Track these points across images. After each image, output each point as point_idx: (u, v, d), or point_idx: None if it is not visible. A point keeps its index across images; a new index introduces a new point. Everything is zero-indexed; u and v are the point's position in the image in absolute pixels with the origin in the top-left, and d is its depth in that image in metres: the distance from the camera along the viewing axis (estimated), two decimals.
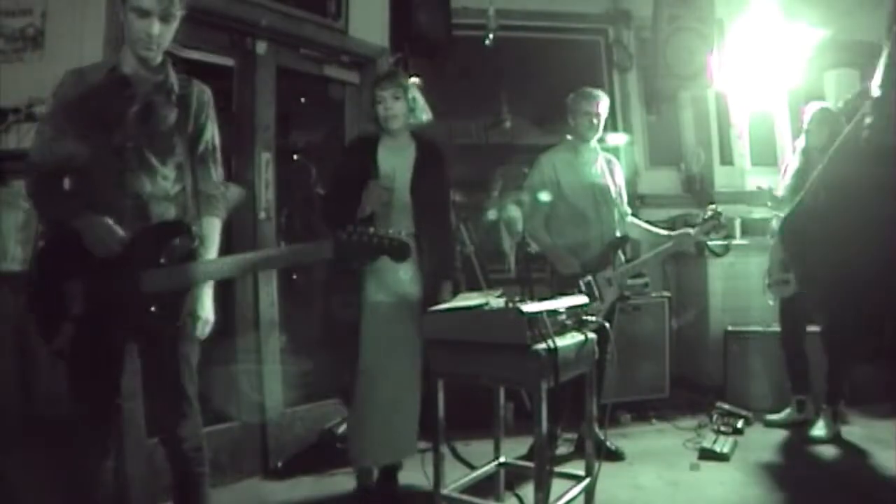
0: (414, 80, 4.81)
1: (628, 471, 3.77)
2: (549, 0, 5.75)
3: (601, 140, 4.23)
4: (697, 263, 5.34)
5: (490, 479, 3.14)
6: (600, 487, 3.03)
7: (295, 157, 5.29)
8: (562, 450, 4.01)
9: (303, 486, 3.61)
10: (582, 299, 3.01)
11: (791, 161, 4.47)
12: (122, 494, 2.88)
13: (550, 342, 2.56)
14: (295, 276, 4.76)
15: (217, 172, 2.54)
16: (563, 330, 2.77)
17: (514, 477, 3.23)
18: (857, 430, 4.30)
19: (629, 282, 4.11)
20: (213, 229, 2.49)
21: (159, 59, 2.35)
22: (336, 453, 3.82)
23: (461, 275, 3.61)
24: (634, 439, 4.32)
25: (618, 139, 5.49)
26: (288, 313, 4.11)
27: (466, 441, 3.68)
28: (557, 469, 2.99)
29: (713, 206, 4.08)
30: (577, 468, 3.09)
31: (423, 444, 3.96)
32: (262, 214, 3.97)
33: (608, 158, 4.18)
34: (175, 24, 2.33)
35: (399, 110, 3.22)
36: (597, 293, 3.85)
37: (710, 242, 4.83)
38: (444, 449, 2.88)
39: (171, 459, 2.40)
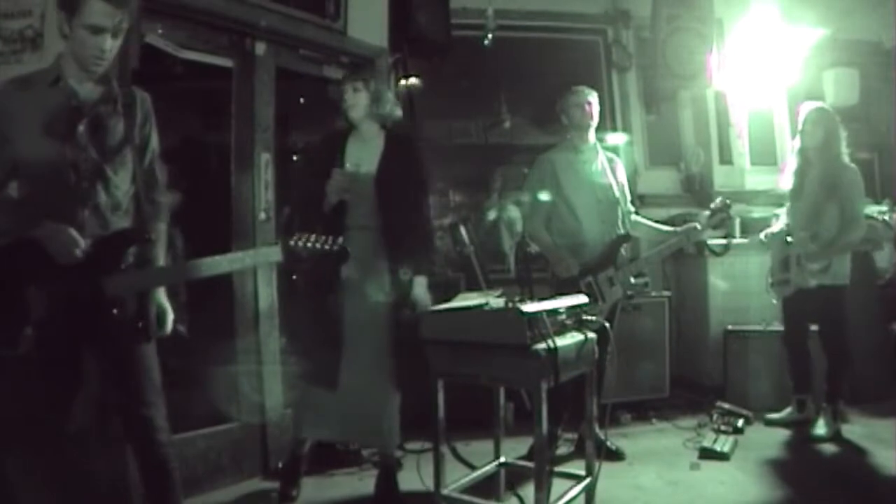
0: (412, 79, 4.87)
1: (628, 470, 3.77)
2: (548, 0, 5.75)
3: (601, 139, 4.23)
4: (697, 263, 5.34)
5: (490, 479, 3.15)
6: (601, 487, 3.03)
7: (295, 157, 5.30)
8: (562, 450, 4.01)
9: (303, 487, 3.60)
10: (582, 299, 3.01)
11: (789, 163, 4.47)
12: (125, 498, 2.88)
13: (550, 342, 2.56)
14: (295, 277, 4.76)
15: (162, 179, 2.60)
16: (562, 330, 2.77)
17: (514, 477, 3.23)
18: (858, 429, 4.30)
19: (631, 281, 4.11)
20: (162, 234, 2.58)
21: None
22: (336, 454, 3.83)
23: (437, 267, 3.64)
24: (635, 439, 4.32)
25: (617, 139, 5.49)
26: (287, 314, 4.11)
27: (467, 441, 3.68)
28: (558, 469, 3.00)
29: (721, 198, 4.08)
30: (578, 468, 3.10)
31: (423, 444, 3.98)
32: (262, 215, 3.97)
33: (610, 157, 4.17)
34: (122, 38, 2.35)
35: (358, 101, 3.33)
36: (598, 294, 3.85)
37: (710, 242, 4.83)
38: (445, 449, 2.89)
39: (145, 460, 2.42)
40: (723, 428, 4.31)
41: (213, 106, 4.62)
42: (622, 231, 4.07)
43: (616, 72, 5.92)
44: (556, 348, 2.55)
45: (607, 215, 4.04)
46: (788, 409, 4.49)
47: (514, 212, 5.51)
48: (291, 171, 4.81)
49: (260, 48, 4.01)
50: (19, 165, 2.26)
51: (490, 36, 5.22)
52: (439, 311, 2.85)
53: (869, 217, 4.48)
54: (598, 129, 4.16)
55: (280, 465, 3.72)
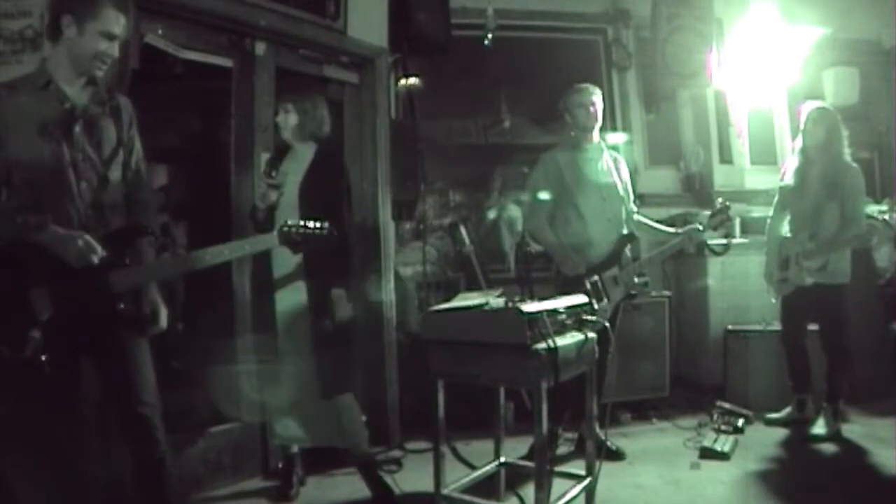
0: (412, 79, 4.87)
1: (629, 470, 3.77)
2: (547, 0, 5.75)
3: (603, 138, 4.22)
4: (697, 262, 5.34)
5: (491, 479, 3.14)
6: (601, 487, 3.03)
7: None
8: (562, 449, 4.01)
9: (304, 487, 3.61)
10: (582, 299, 3.01)
11: (790, 161, 4.47)
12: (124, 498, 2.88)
13: (550, 342, 2.56)
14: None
15: (147, 179, 2.67)
16: (562, 329, 2.77)
17: (514, 477, 3.23)
18: (858, 429, 4.30)
19: (635, 280, 4.11)
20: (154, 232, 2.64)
21: None
22: (336, 454, 3.83)
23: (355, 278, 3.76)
24: (635, 438, 4.32)
25: (617, 138, 5.49)
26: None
27: (467, 441, 3.68)
28: (558, 469, 2.99)
29: (721, 200, 4.08)
30: (578, 468, 3.10)
31: (423, 444, 3.99)
32: (262, 215, 3.96)
33: (614, 156, 4.16)
34: None
35: (288, 122, 3.52)
36: (603, 293, 3.85)
37: (710, 241, 4.84)
38: (445, 449, 2.88)
39: (142, 459, 2.42)
40: (723, 427, 4.31)
41: (213, 106, 4.62)
42: (626, 231, 4.06)
43: (616, 71, 5.92)
44: (556, 348, 2.55)
45: (612, 214, 4.03)
46: (788, 409, 4.49)
47: (514, 211, 5.51)
48: None
49: (260, 48, 4.01)
50: (17, 169, 2.27)
51: (490, 35, 5.21)
52: (439, 311, 2.85)
53: (869, 217, 4.48)
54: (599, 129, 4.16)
55: (280, 464, 3.73)
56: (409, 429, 4.36)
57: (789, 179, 4.40)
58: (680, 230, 4.07)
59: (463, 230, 5.02)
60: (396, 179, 4.63)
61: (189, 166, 5.42)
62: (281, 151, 3.64)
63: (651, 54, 5.69)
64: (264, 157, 3.95)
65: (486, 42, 5.22)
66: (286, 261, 3.33)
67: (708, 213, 4.19)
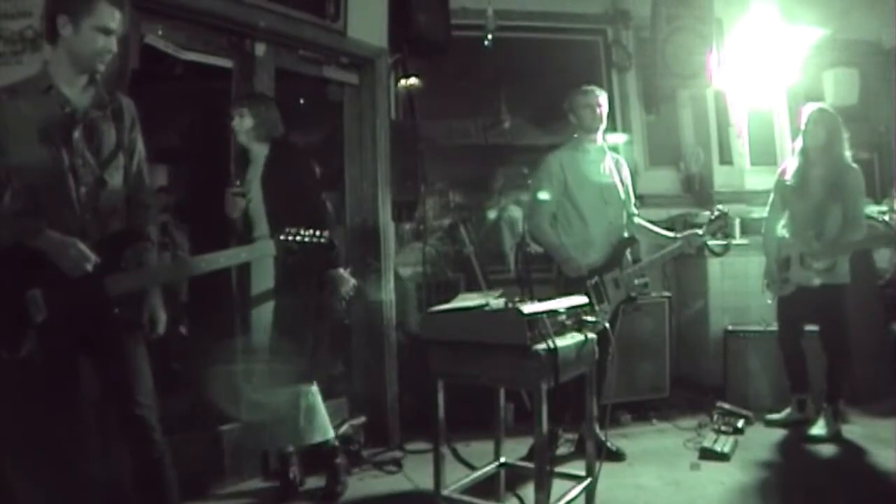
0: (412, 80, 4.87)
1: (629, 471, 3.77)
2: (547, 0, 5.75)
3: (605, 140, 4.22)
4: (697, 263, 5.34)
5: (491, 479, 3.14)
6: (601, 487, 3.03)
7: None
8: (562, 450, 4.01)
9: (303, 487, 3.61)
10: (582, 300, 3.01)
11: (790, 162, 4.47)
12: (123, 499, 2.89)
13: (550, 342, 2.56)
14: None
15: (149, 182, 2.66)
16: (562, 330, 2.77)
17: (514, 477, 3.23)
18: (858, 429, 4.30)
19: (635, 282, 4.10)
20: (152, 235, 2.64)
21: None
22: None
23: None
24: (635, 439, 4.32)
25: (617, 139, 5.48)
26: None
27: (467, 442, 3.68)
28: (558, 469, 2.99)
29: (720, 207, 4.08)
30: (578, 468, 3.10)
31: (423, 445, 3.99)
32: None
33: (616, 158, 4.17)
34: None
35: (244, 126, 3.50)
36: (604, 295, 3.85)
37: (710, 242, 4.84)
38: (445, 450, 2.88)
39: (140, 459, 2.43)
40: (723, 428, 4.31)
41: (212, 107, 4.62)
42: (627, 233, 4.07)
43: (616, 72, 5.92)
44: (556, 349, 2.56)
45: (613, 216, 4.04)
46: (788, 410, 4.48)
47: (514, 212, 5.51)
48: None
49: (259, 49, 4.01)
50: (17, 173, 2.28)
51: (490, 36, 5.21)
52: (439, 312, 2.85)
53: (869, 217, 4.48)
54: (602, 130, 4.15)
55: (280, 465, 3.73)
56: (409, 429, 4.36)
57: (790, 179, 4.40)
58: (679, 235, 4.07)
59: (463, 231, 5.02)
60: (396, 180, 4.63)
61: (189, 167, 5.42)
62: (240, 158, 3.65)
63: (651, 55, 5.69)
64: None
65: (486, 43, 5.22)
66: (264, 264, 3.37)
67: (708, 213, 4.19)
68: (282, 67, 4.15)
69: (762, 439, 4.24)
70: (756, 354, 4.89)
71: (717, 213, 4.02)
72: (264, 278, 3.45)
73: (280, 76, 4.12)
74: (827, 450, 4.04)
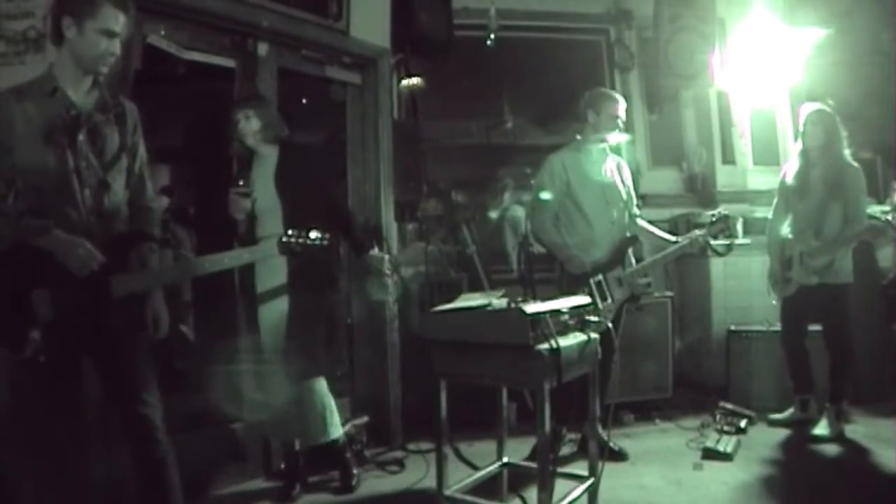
0: (415, 80, 4.87)
1: (632, 471, 3.77)
2: (550, 0, 5.75)
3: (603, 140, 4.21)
4: (700, 263, 5.34)
5: (493, 479, 3.14)
6: (604, 487, 3.03)
7: None
8: (565, 450, 4.01)
9: (305, 487, 3.61)
10: (584, 299, 3.01)
11: (791, 164, 4.47)
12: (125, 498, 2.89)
13: (553, 342, 2.56)
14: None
15: (151, 185, 2.67)
16: (565, 330, 2.77)
17: (517, 477, 3.23)
18: (861, 429, 4.30)
19: (638, 282, 4.10)
20: (155, 237, 2.66)
21: None
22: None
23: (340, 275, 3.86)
24: (638, 439, 4.32)
25: (618, 139, 5.48)
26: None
27: (469, 442, 3.69)
28: (561, 469, 2.99)
29: (721, 210, 4.07)
30: (581, 468, 3.09)
31: (426, 445, 3.98)
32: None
33: (617, 161, 4.17)
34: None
35: (250, 128, 3.50)
36: (607, 293, 3.85)
37: (712, 242, 4.83)
38: (448, 449, 2.88)
39: (143, 459, 2.43)
40: (726, 428, 4.30)
41: (215, 106, 4.63)
42: (629, 233, 4.07)
43: (618, 71, 5.91)
44: (558, 348, 2.55)
45: (616, 216, 4.04)
46: (791, 410, 4.48)
47: (517, 211, 5.51)
48: None
49: (262, 49, 4.01)
50: (23, 174, 2.29)
51: (492, 36, 5.21)
52: (442, 312, 2.85)
53: (871, 217, 4.48)
54: None
55: (282, 465, 3.73)
56: (412, 429, 4.36)
57: (791, 181, 4.40)
58: (680, 238, 4.06)
59: (465, 231, 5.02)
60: (399, 180, 4.64)
61: (191, 167, 5.43)
62: (244, 159, 3.64)
63: (653, 55, 5.68)
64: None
65: (488, 42, 5.22)
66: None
67: (710, 213, 4.18)
68: (284, 67, 4.16)
69: (765, 439, 4.23)
70: (759, 354, 4.88)
71: (717, 215, 4.01)
72: (273, 276, 3.46)
73: (282, 76, 4.13)
74: (830, 450, 4.04)
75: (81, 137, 2.35)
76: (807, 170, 4.31)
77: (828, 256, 4.17)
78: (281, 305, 3.48)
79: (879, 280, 5.15)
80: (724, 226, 3.99)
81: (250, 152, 3.59)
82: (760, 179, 5.69)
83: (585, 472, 3.00)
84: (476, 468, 3.12)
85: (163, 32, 3.56)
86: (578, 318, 2.88)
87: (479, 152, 5.81)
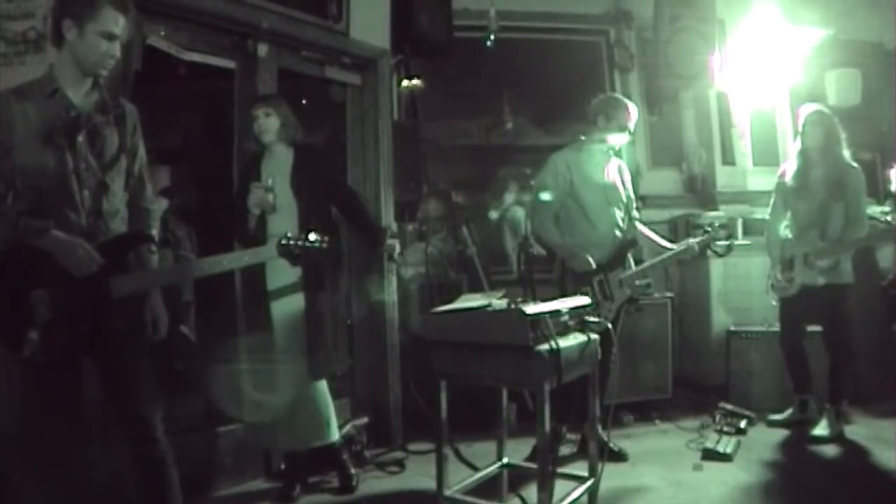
0: (415, 80, 4.88)
1: (631, 471, 3.77)
2: (550, 1, 5.74)
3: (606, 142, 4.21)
4: (699, 264, 5.33)
5: (493, 480, 3.15)
6: (603, 488, 3.03)
7: None
8: (565, 451, 4.01)
9: (305, 488, 3.61)
10: (584, 300, 3.01)
11: (790, 163, 4.47)
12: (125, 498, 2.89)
13: (553, 343, 2.56)
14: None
15: (150, 186, 2.68)
16: (565, 331, 2.77)
17: (517, 478, 3.23)
18: (861, 430, 4.30)
19: (637, 283, 4.10)
20: (155, 238, 2.68)
21: None
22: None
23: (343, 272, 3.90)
24: (637, 440, 4.32)
25: (619, 140, 5.48)
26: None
27: (469, 442, 3.68)
28: (560, 470, 2.99)
29: (715, 221, 4.06)
30: (581, 469, 3.10)
31: (426, 446, 3.98)
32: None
33: (619, 163, 4.17)
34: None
35: (270, 126, 3.52)
36: (609, 293, 3.85)
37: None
38: (448, 450, 2.89)
39: (142, 459, 2.44)
40: (725, 429, 4.30)
41: (215, 107, 4.63)
42: (629, 235, 4.07)
43: (618, 72, 5.91)
44: (558, 349, 2.56)
45: (616, 218, 4.04)
46: (791, 410, 4.48)
47: (517, 212, 5.51)
48: None
49: (262, 49, 4.01)
50: (22, 175, 2.29)
51: (492, 37, 5.21)
52: (442, 313, 2.86)
53: (871, 218, 4.48)
54: None
55: (282, 466, 3.73)
56: (412, 430, 4.37)
57: (790, 181, 4.40)
58: (675, 247, 4.05)
59: (465, 231, 5.02)
60: (399, 181, 4.64)
61: (191, 167, 5.42)
62: (258, 156, 3.64)
63: (653, 55, 5.68)
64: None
65: (488, 43, 5.22)
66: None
67: (710, 214, 4.18)
68: (284, 68, 4.16)
69: (765, 440, 4.23)
70: (758, 355, 4.88)
71: (711, 226, 4.02)
72: (281, 275, 3.46)
73: (282, 77, 4.12)
74: (830, 450, 4.04)
75: (81, 139, 2.35)
76: (806, 170, 4.32)
77: (834, 257, 4.17)
78: (291, 304, 3.49)
79: (879, 281, 5.15)
80: (722, 233, 3.99)
81: (264, 149, 3.60)
82: (760, 180, 5.68)
83: (585, 473, 3.00)
84: (476, 469, 3.12)
85: (163, 33, 3.56)
86: (578, 319, 2.88)
87: (479, 153, 5.81)
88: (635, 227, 4.16)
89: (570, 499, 2.78)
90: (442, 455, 2.83)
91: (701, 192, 5.78)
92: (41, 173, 2.29)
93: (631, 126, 4.01)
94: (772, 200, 4.56)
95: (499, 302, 2.82)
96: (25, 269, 2.26)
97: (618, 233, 4.02)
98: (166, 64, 3.77)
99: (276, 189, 3.45)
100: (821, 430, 4.18)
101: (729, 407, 4.56)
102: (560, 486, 2.78)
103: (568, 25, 5.88)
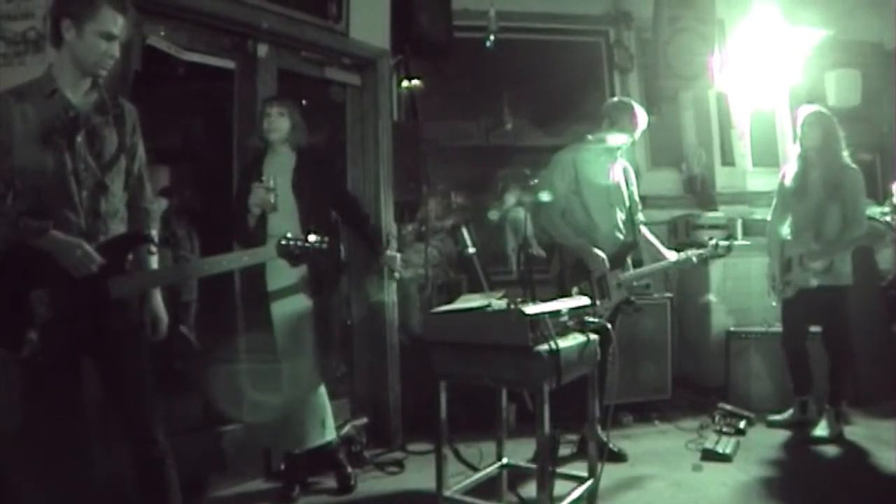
0: (414, 81, 4.88)
1: (631, 472, 3.77)
2: (549, 1, 5.75)
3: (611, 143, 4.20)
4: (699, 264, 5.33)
5: (492, 480, 3.15)
6: (603, 488, 3.04)
7: None
8: (564, 451, 4.01)
9: (305, 488, 3.61)
10: (584, 300, 3.01)
11: (790, 165, 4.48)
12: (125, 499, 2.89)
13: (552, 343, 2.56)
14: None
15: (149, 186, 2.67)
16: (565, 331, 2.77)
17: (516, 478, 3.24)
18: (860, 430, 4.30)
19: (633, 285, 4.10)
20: (154, 239, 2.67)
21: None
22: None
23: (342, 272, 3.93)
24: (637, 440, 4.32)
25: (620, 141, 5.48)
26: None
27: (469, 442, 3.68)
28: (560, 470, 2.99)
29: (718, 241, 4.05)
30: (580, 469, 3.10)
31: (425, 446, 3.98)
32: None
33: (624, 165, 4.16)
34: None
35: (281, 126, 3.55)
36: (606, 293, 3.85)
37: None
38: (447, 450, 2.89)
39: (142, 459, 2.44)
40: (725, 429, 4.30)
41: (214, 107, 4.63)
42: (630, 237, 4.06)
43: (618, 73, 5.91)
44: (558, 349, 2.56)
45: (616, 220, 4.03)
46: (790, 411, 4.48)
47: (517, 213, 5.51)
48: None
49: (262, 50, 4.01)
50: (21, 175, 2.29)
51: (492, 37, 5.21)
52: (442, 313, 2.86)
53: (870, 218, 4.48)
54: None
55: (282, 466, 3.73)
56: (411, 430, 4.37)
57: (790, 182, 4.40)
58: (674, 259, 4.04)
59: (465, 232, 5.02)
60: (399, 181, 4.64)
61: (191, 167, 5.43)
62: (257, 156, 3.64)
63: (653, 56, 5.68)
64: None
65: (487, 44, 5.22)
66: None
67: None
68: (284, 68, 4.16)
69: (764, 440, 4.23)
70: (758, 355, 4.89)
71: (716, 243, 4.01)
72: (276, 279, 3.47)
73: (282, 77, 4.13)
74: (829, 451, 4.04)
75: (80, 139, 2.35)
76: (805, 171, 4.32)
77: (827, 259, 4.17)
78: (291, 305, 3.49)
79: (879, 282, 5.16)
80: (713, 253, 4.00)
81: (267, 148, 3.61)
82: (760, 181, 5.70)
83: (585, 473, 3.01)
84: (475, 469, 3.13)
85: (162, 33, 3.57)
86: (578, 319, 2.89)
87: (479, 153, 5.81)
88: (638, 230, 4.15)
89: (569, 499, 2.78)
90: (441, 455, 2.83)
91: (700, 192, 5.78)
92: (40, 174, 2.28)
93: (637, 131, 4.00)
94: (773, 202, 4.57)
95: (498, 302, 2.82)
96: (25, 270, 2.26)
97: (618, 234, 4.02)
98: (166, 64, 3.77)
99: (277, 189, 3.45)
100: (820, 430, 4.18)
101: (728, 407, 4.56)
102: (560, 487, 2.78)
103: (568, 26, 5.88)
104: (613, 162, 4.09)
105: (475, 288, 4.65)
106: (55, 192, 2.31)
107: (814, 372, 4.43)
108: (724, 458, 3.85)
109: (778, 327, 4.66)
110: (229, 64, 3.98)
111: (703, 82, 5.66)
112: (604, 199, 4.00)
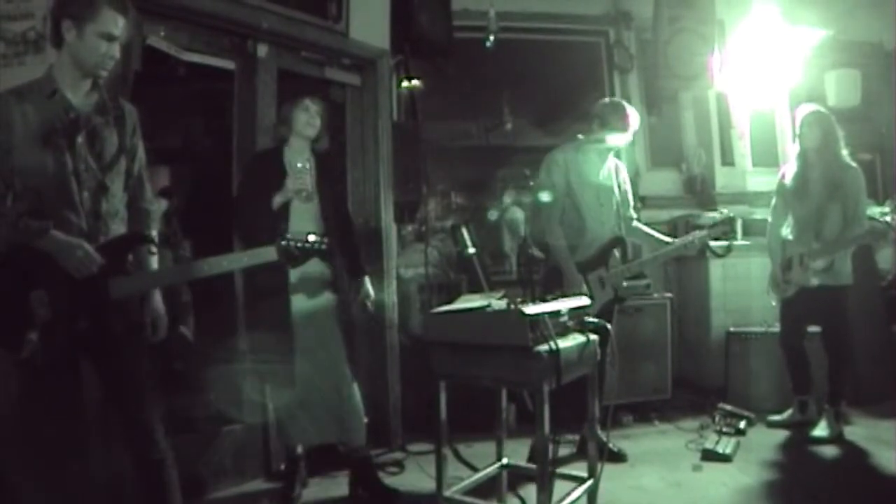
0: (414, 81, 4.88)
1: (631, 472, 3.77)
2: (549, 2, 5.74)
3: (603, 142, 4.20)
4: (699, 264, 5.34)
5: (492, 480, 3.14)
6: (603, 489, 3.03)
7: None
8: (564, 451, 4.01)
9: (306, 488, 3.61)
10: (584, 301, 3.01)
11: (790, 165, 4.48)
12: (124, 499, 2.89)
13: (552, 343, 2.56)
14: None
15: (150, 187, 2.68)
16: (564, 331, 2.77)
17: (516, 479, 3.23)
18: (860, 431, 4.30)
19: (629, 283, 4.08)
20: (154, 240, 2.67)
21: None
22: (338, 455, 3.83)
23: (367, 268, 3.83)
24: (637, 440, 4.32)
25: (616, 141, 5.48)
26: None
27: (468, 443, 3.68)
28: (560, 471, 2.99)
29: (725, 211, 4.06)
30: (580, 470, 3.09)
31: (425, 446, 3.98)
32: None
33: (616, 163, 4.17)
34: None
35: (315, 123, 3.55)
36: (588, 293, 3.82)
37: (711, 243, 4.84)
38: (447, 451, 2.88)
39: (142, 460, 2.44)
40: (725, 429, 4.30)
41: (214, 107, 4.63)
42: (615, 234, 4.05)
43: (617, 73, 5.91)
44: (558, 350, 2.56)
45: (606, 218, 4.02)
46: (790, 411, 4.48)
47: (516, 213, 5.51)
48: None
49: (262, 50, 4.01)
50: (22, 176, 2.29)
51: (492, 37, 5.21)
52: (441, 313, 2.86)
53: (871, 218, 4.48)
54: None
55: (282, 466, 3.73)
56: (411, 430, 4.37)
57: (790, 182, 4.40)
58: (677, 240, 4.05)
59: (465, 232, 5.02)
60: (398, 181, 4.64)
61: (191, 168, 5.43)
62: (276, 149, 3.58)
63: (653, 56, 5.68)
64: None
65: (487, 44, 5.22)
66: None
67: (709, 214, 4.18)
68: (284, 69, 4.16)
69: (764, 441, 4.24)
70: (758, 355, 4.89)
71: (722, 216, 4.01)
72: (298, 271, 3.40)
73: (282, 77, 4.12)
74: (829, 451, 4.04)
75: (80, 140, 2.35)
76: (805, 171, 4.32)
77: (828, 258, 4.17)
78: (315, 299, 3.47)
79: (879, 281, 5.16)
80: (727, 228, 3.99)
81: (284, 143, 3.56)
82: (760, 181, 5.69)
83: (584, 474, 3.00)
84: (475, 469, 3.13)
85: (162, 34, 3.56)
86: (577, 320, 2.89)
87: (479, 153, 5.81)
88: (631, 228, 4.15)
89: (569, 499, 2.78)
90: (441, 456, 2.83)
91: (700, 192, 5.79)
92: (40, 174, 2.29)
93: (629, 131, 3.99)
94: (773, 202, 4.57)
95: (498, 302, 2.81)
96: (25, 270, 2.26)
97: (607, 233, 4.00)
98: (166, 65, 3.77)
99: (306, 178, 3.47)
100: (820, 430, 4.19)
101: (728, 408, 4.57)
102: (559, 487, 2.78)
103: (567, 26, 5.88)
104: (605, 161, 4.09)
105: (475, 288, 4.65)
106: (56, 193, 2.31)
107: (813, 372, 4.43)
108: (724, 459, 3.86)
109: (778, 327, 4.66)
110: (229, 64, 3.97)
111: (703, 82, 5.66)
112: (593, 198, 4.00)
